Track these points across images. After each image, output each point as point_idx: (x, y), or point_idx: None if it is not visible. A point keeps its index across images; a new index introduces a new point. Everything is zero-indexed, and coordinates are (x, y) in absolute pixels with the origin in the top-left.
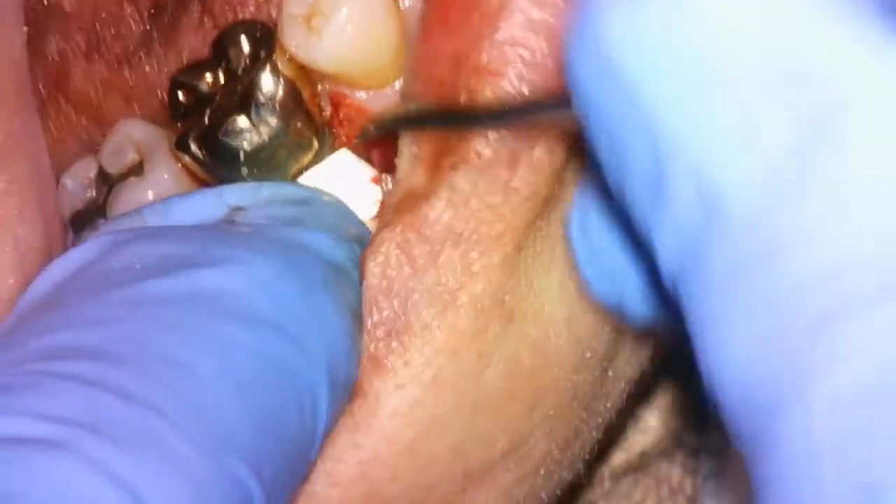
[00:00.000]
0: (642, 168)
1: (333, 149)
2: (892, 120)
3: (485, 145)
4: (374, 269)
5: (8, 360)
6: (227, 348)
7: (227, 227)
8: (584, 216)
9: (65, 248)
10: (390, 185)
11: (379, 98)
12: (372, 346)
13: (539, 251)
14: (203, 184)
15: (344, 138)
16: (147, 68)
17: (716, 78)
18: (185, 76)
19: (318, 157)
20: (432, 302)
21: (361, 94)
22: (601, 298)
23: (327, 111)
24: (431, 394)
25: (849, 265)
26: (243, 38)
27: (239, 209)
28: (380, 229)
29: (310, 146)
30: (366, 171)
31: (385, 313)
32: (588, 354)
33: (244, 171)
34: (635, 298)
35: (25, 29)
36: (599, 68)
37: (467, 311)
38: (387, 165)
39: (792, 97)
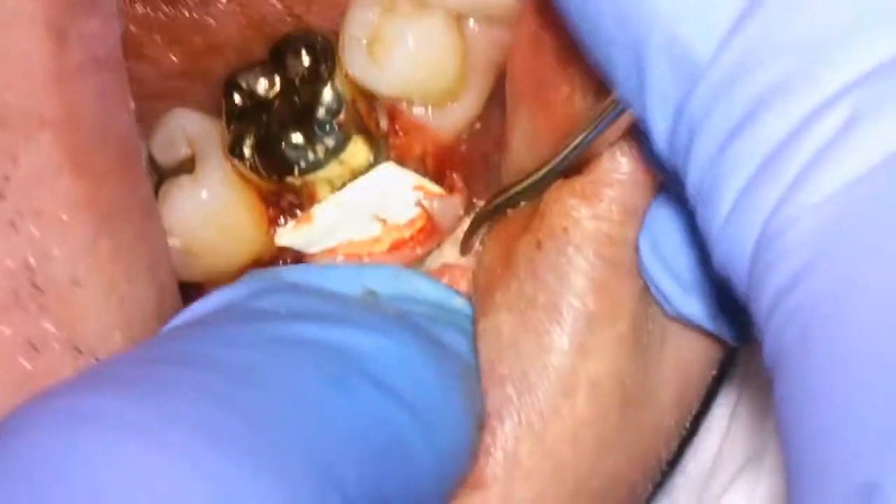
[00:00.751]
0: (624, 56)
1: (389, 160)
2: None
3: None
4: (486, 354)
5: (144, 356)
6: (354, 403)
7: (373, 305)
8: (653, 234)
9: (177, 306)
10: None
11: (436, 115)
12: (490, 438)
13: (651, 329)
14: (253, 187)
15: (399, 150)
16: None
17: None
18: (242, 78)
19: (372, 168)
20: (550, 388)
21: (419, 110)
22: (679, 311)
23: (384, 124)
24: (553, 483)
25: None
26: (303, 49)
27: (373, 293)
28: (486, 312)
29: (365, 161)
30: (410, 179)
31: (501, 400)
32: (685, 427)
33: (297, 182)
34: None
35: (132, 104)
36: None
37: (587, 394)
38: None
39: None
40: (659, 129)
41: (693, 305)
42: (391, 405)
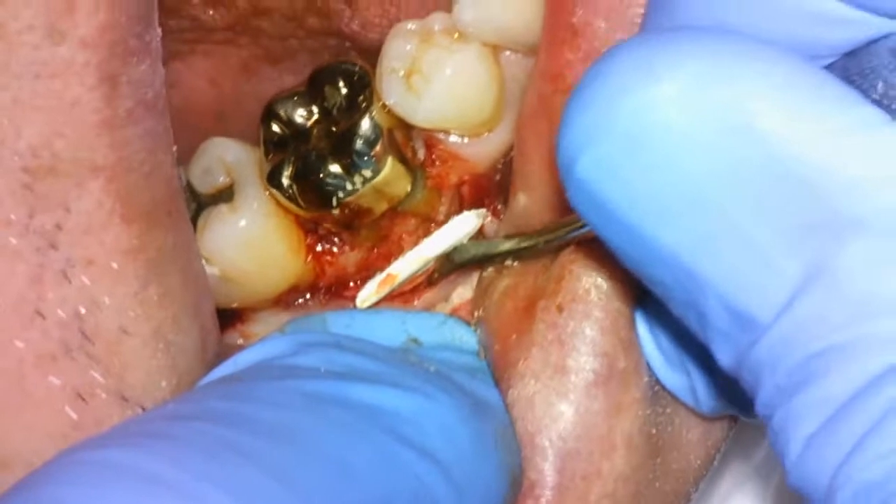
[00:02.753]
0: (681, 302)
1: (426, 189)
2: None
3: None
4: (522, 424)
5: (181, 412)
6: (387, 466)
7: (414, 361)
8: (647, 309)
9: (217, 347)
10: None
11: (474, 144)
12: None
13: None
14: (292, 214)
15: (436, 178)
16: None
17: (693, 198)
18: (280, 106)
19: (409, 197)
20: (591, 451)
21: (455, 139)
22: (675, 390)
23: (421, 153)
24: None
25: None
26: (340, 80)
27: (416, 341)
28: (512, 382)
29: (403, 190)
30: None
31: (544, 470)
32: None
33: (335, 212)
34: (703, 387)
35: (175, 148)
36: (588, 203)
37: (623, 451)
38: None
39: (783, 208)
40: (722, 360)
41: (675, 379)
42: (423, 465)
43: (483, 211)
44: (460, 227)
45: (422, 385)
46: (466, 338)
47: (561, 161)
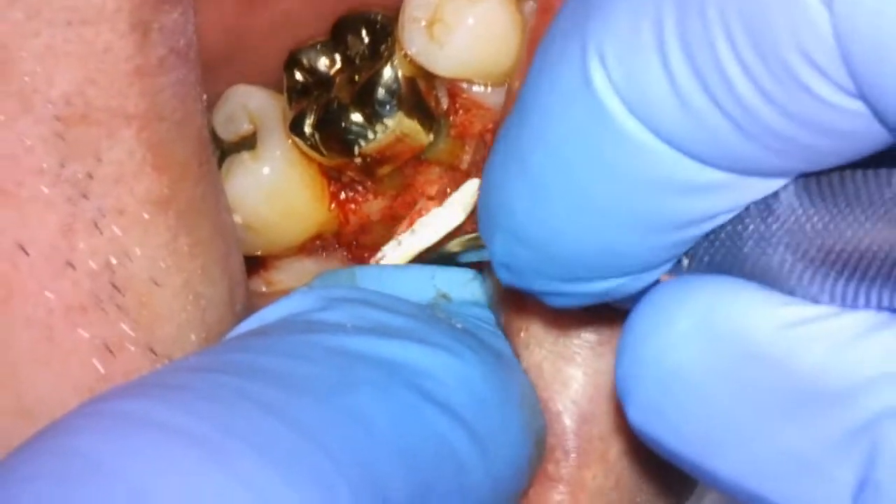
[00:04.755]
0: None
1: (449, 137)
2: None
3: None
4: (537, 391)
5: (205, 364)
6: (409, 421)
7: (442, 317)
8: None
9: (246, 299)
10: None
11: (497, 93)
12: (553, 467)
13: None
14: (315, 163)
15: (460, 127)
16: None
17: (733, 427)
18: (304, 55)
19: (432, 146)
20: (606, 410)
21: (479, 88)
22: None
23: (444, 102)
24: (616, 495)
25: None
26: (363, 29)
27: (445, 296)
28: (520, 351)
29: (424, 139)
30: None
31: (561, 434)
32: None
33: (357, 160)
34: None
35: (205, 97)
36: (650, 444)
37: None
38: None
39: (818, 419)
40: None
41: None
42: (447, 423)
43: (470, 192)
44: (451, 218)
45: (448, 342)
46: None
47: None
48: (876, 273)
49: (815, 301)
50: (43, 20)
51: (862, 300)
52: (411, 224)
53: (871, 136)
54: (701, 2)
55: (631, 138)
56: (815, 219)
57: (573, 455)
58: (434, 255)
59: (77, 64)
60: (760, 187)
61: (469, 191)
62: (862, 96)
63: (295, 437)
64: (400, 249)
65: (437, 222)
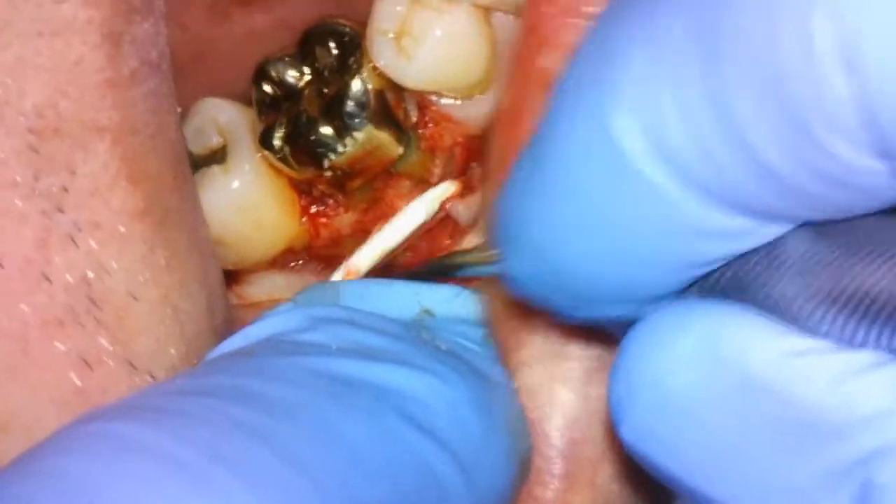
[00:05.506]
0: None
1: (419, 150)
2: None
3: None
4: (527, 412)
5: (190, 387)
6: (395, 447)
7: (427, 338)
8: None
9: (226, 312)
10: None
11: (467, 106)
12: (540, 490)
13: None
14: (285, 176)
15: (430, 140)
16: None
17: (727, 453)
18: (272, 67)
19: (403, 159)
20: (597, 436)
21: (448, 101)
22: None
23: (413, 115)
24: None
25: None
26: (331, 41)
27: (429, 312)
28: (516, 369)
29: (394, 152)
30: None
31: (552, 457)
32: None
33: (327, 173)
34: None
35: (179, 110)
36: (642, 462)
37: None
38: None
39: (813, 451)
40: None
41: None
42: (431, 447)
43: (443, 192)
44: (414, 217)
45: (432, 364)
46: (480, 309)
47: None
48: (878, 313)
49: (818, 334)
50: (13, 32)
51: (861, 337)
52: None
53: (891, 193)
54: (722, 60)
55: (649, 183)
56: (823, 256)
57: (561, 478)
58: (439, 265)
59: (48, 76)
60: (776, 231)
61: (438, 192)
62: (885, 157)
63: (280, 463)
64: (368, 248)
65: (402, 222)
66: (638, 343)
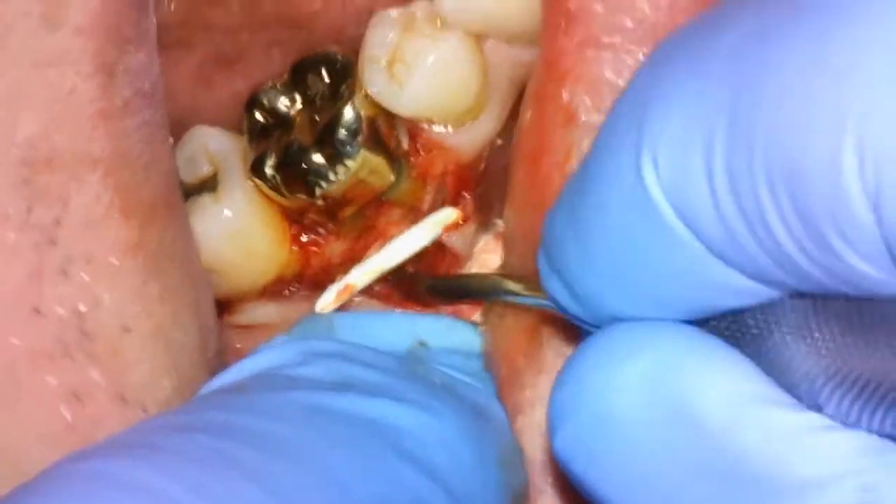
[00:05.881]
0: None
1: (410, 178)
2: None
3: None
4: (531, 453)
5: (183, 422)
6: (387, 483)
7: (421, 371)
8: None
9: (219, 343)
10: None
11: (458, 134)
12: None
13: None
14: (276, 204)
15: (421, 168)
16: None
17: (656, 484)
18: (264, 95)
19: (394, 187)
20: None
21: (439, 129)
22: None
23: (404, 142)
24: None
25: None
26: (323, 69)
27: (424, 344)
28: (521, 408)
29: (386, 180)
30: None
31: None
32: None
33: (319, 202)
34: None
35: (171, 140)
36: (568, 473)
37: None
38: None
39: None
40: None
41: None
42: (426, 484)
43: (445, 217)
44: (415, 240)
45: (426, 399)
46: (475, 341)
47: (549, 435)
48: (882, 397)
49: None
50: (7, 62)
51: (855, 416)
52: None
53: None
54: (750, 148)
55: (673, 235)
56: (826, 332)
57: None
58: (484, 288)
59: (42, 107)
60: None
61: (439, 217)
62: None
63: (271, 501)
64: (362, 268)
65: (403, 244)
66: (590, 355)
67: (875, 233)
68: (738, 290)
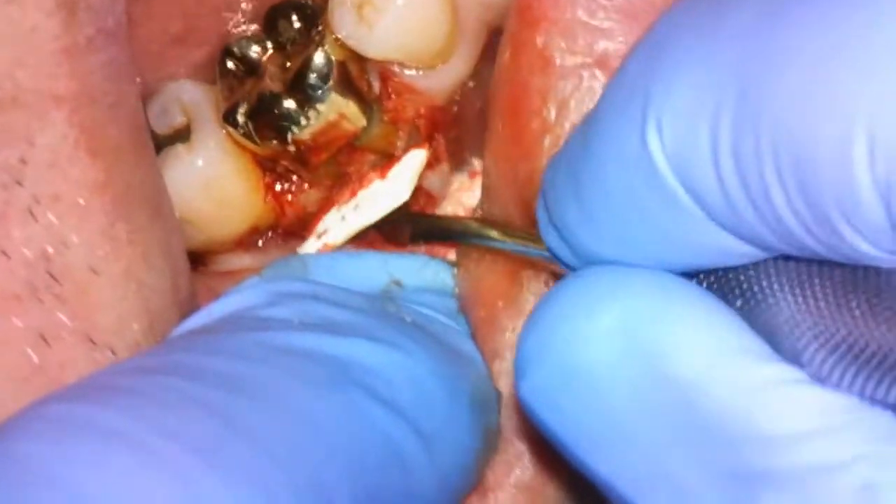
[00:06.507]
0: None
1: (382, 123)
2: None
3: None
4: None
5: (149, 366)
6: (356, 422)
7: (393, 309)
8: None
9: (190, 286)
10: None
11: (429, 76)
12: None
13: None
14: (249, 154)
15: (393, 112)
16: None
17: (621, 435)
18: (235, 45)
19: (366, 132)
20: None
21: (411, 72)
22: None
23: (376, 86)
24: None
25: None
26: (294, 14)
27: (398, 283)
28: (499, 352)
29: (358, 124)
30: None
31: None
32: None
33: (291, 147)
34: None
35: (139, 80)
36: (533, 420)
37: None
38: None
39: (706, 455)
40: None
41: None
42: (393, 421)
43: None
44: (397, 196)
45: (397, 338)
46: (449, 280)
47: (515, 379)
48: (878, 365)
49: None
50: None
51: (837, 377)
52: (353, 194)
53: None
54: (757, 129)
55: (674, 200)
56: (820, 294)
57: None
58: (467, 232)
59: (4, 44)
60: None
61: (411, 163)
62: None
63: (238, 440)
64: (344, 225)
65: (381, 198)
66: (562, 299)
67: (884, 223)
68: (735, 252)
